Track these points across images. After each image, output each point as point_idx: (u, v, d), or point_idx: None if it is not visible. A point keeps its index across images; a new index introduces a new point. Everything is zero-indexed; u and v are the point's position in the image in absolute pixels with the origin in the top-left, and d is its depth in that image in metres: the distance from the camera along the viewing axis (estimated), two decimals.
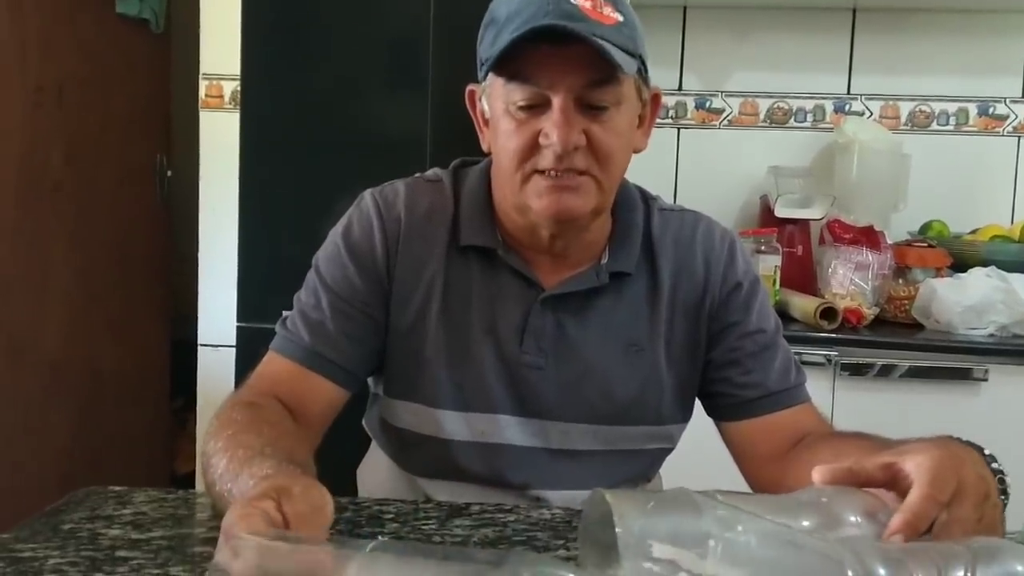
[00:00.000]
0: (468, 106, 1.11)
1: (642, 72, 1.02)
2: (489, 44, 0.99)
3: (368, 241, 1.09)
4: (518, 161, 1.00)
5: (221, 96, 2.43)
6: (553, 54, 0.95)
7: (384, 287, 1.09)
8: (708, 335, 1.12)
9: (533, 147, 0.98)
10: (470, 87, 1.09)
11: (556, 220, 1.01)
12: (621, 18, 0.97)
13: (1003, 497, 0.78)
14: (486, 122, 1.07)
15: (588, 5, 0.95)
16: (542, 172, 0.99)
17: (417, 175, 1.15)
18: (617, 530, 0.60)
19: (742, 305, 1.12)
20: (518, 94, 0.98)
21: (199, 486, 0.94)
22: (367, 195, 1.12)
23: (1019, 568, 0.62)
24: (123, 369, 2.92)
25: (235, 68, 2.08)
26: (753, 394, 1.10)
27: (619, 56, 0.94)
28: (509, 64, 0.97)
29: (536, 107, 0.98)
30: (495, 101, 1.02)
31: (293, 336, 1.07)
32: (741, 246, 1.16)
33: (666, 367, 1.11)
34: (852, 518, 0.71)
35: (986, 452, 0.80)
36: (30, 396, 2.56)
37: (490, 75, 1.01)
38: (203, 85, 2.44)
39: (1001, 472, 0.79)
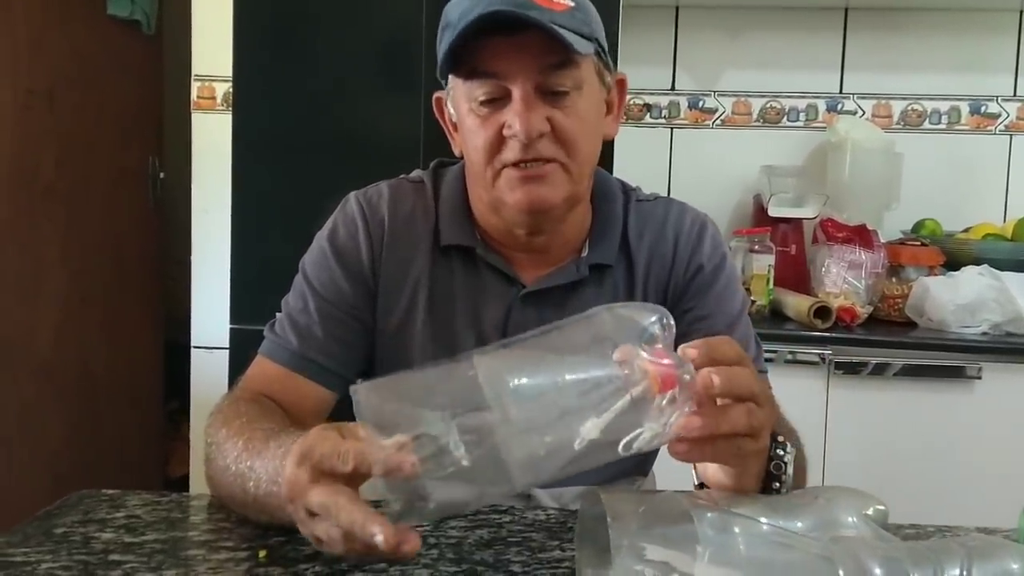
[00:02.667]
0: (437, 114, 1.12)
1: (601, 55, 1.03)
2: (446, 46, 1.00)
3: (353, 244, 1.09)
4: (487, 157, 1.00)
5: (213, 98, 2.42)
6: (507, 44, 0.96)
7: (370, 289, 1.09)
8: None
9: (499, 141, 0.99)
10: (436, 95, 1.10)
11: (530, 212, 1.01)
12: (572, 4, 0.98)
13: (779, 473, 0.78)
14: (455, 127, 1.08)
15: None
16: (511, 166, 0.99)
17: (401, 176, 1.16)
18: (610, 530, 0.60)
19: (702, 288, 1.11)
20: (479, 89, 0.99)
21: (193, 489, 0.94)
22: (351, 197, 1.13)
23: (1014, 566, 0.62)
24: (116, 372, 2.91)
25: (227, 69, 2.08)
26: None
27: (573, 38, 0.95)
28: (466, 61, 0.98)
29: (498, 100, 0.99)
30: (459, 102, 1.03)
31: (281, 340, 1.07)
32: (713, 231, 1.15)
33: None
34: (849, 518, 0.71)
35: (779, 438, 0.80)
36: (23, 399, 2.55)
37: (451, 77, 1.02)
38: (195, 87, 2.43)
39: (781, 456, 0.79)
